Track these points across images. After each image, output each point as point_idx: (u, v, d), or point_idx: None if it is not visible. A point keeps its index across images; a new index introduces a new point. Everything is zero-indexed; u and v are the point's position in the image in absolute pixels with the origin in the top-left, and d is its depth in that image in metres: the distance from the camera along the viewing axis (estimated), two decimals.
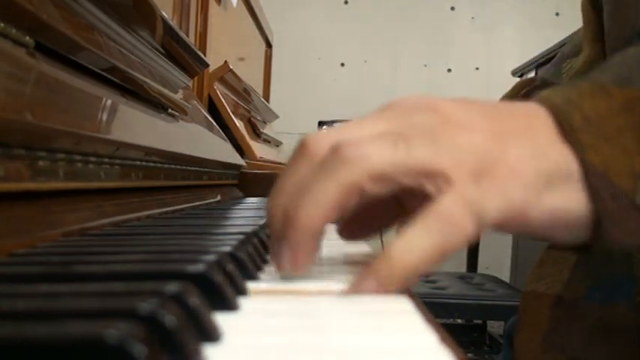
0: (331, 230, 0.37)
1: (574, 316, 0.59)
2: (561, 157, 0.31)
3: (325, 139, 0.31)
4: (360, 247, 0.46)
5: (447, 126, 0.30)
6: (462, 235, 0.29)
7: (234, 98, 1.43)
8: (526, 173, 0.30)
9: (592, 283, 0.60)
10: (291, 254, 0.31)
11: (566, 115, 0.31)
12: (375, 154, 0.29)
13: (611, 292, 0.58)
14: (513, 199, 0.30)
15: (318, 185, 0.30)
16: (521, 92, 0.72)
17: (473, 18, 3.00)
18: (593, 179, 0.30)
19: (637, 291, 0.56)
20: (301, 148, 0.32)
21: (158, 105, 0.70)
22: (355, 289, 0.29)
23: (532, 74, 2.35)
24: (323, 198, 0.30)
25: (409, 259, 0.29)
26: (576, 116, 0.31)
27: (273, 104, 2.07)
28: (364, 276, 0.29)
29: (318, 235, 0.31)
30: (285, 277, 0.32)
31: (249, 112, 1.56)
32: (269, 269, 0.37)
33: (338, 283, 0.31)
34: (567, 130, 0.31)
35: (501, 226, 0.31)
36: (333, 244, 0.45)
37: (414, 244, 0.29)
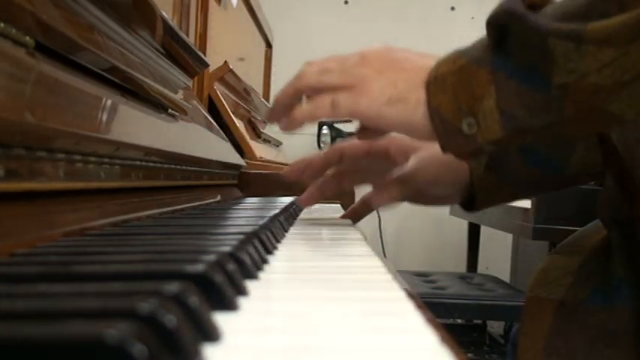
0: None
1: (576, 321, 0.59)
2: (406, 90, 0.52)
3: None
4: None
5: (357, 64, 0.55)
6: (321, 109, 0.55)
7: (234, 98, 1.43)
8: (374, 94, 0.53)
9: (595, 286, 0.60)
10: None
11: (429, 75, 0.51)
12: (310, 77, 0.57)
13: (612, 295, 0.58)
14: (359, 105, 0.53)
15: (286, 88, 0.59)
16: None
17: (473, 18, 2.99)
18: (430, 110, 0.50)
19: (636, 295, 0.56)
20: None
21: (158, 105, 0.70)
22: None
23: None
24: (285, 92, 0.59)
25: (298, 114, 0.57)
26: (432, 75, 0.51)
27: None
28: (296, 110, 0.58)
29: (286, 103, 0.59)
30: None
31: (249, 112, 1.56)
32: (269, 269, 0.37)
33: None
34: (425, 83, 0.51)
35: (354, 117, 0.55)
36: None
37: (303, 108, 0.57)
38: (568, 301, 0.61)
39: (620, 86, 0.45)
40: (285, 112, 0.58)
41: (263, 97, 1.95)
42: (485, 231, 2.54)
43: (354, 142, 0.70)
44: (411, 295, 0.31)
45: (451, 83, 0.50)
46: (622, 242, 0.59)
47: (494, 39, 0.48)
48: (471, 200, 0.71)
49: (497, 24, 0.48)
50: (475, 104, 0.48)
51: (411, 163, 0.68)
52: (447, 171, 0.68)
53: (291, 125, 0.57)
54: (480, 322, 2.34)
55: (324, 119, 0.60)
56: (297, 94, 0.58)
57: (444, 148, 0.51)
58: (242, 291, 0.29)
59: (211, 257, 0.30)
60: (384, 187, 0.67)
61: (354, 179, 0.74)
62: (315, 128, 2.59)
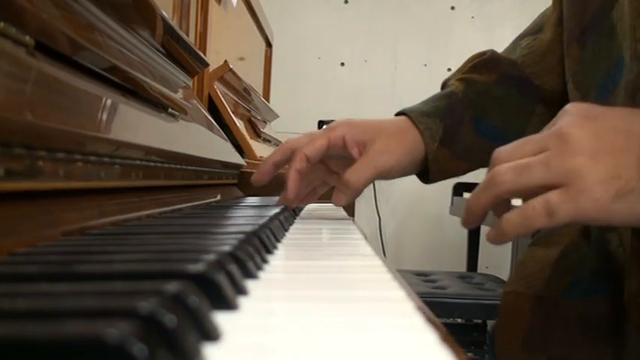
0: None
1: (554, 315, 0.60)
2: (634, 177, 0.43)
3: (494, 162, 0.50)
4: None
5: (561, 152, 0.45)
6: (536, 223, 0.45)
7: (234, 98, 1.43)
8: (597, 190, 0.44)
9: (572, 279, 0.60)
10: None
11: None
12: (508, 181, 0.46)
13: (590, 287, 0.59)
14: (583, 208, 0.44)
15: (479, 194, 0.49)
16: (470, 64, 0.77)
17: (473, 18, 3.00)
18: None
19: (613, 286, 0.56)
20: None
21: (158, 105, 0.70)
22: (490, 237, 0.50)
23: None
24: (480, 201, 0.49)
25: (507, 225, 0.47)
26: None
27: (273, 104, 2.07)
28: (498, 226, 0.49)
29: (476, 216, 0.51)
30: None
31: (249, 111, 1.56)
32: (269, 268, 0.37)
33: None
34: None
35: (576, 221, 0.46)
36: None
37: (511, 218, 0.47)
38: (545, 295, 0.61)
39: None
40: (481, 218, 0.52)
41: (263, 97, 1.95)
42: (485, 231, 2.53)
43: (312, 141, 0.70)
44: (411, 295, 0.31)
45: None
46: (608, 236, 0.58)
47: None
48: (426, 172, 0.75)
49: None
50: None
51: (370, 153, 0.70)
52: (406, 156, 0.72)
53: (500, 239, 0.49)
54: (479, 321, 2.34)
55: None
56: (495, 201, 0.50)
57: None
58: (242, 290, 0.29)
59: (211, 257, 0.30)
60: (337, 189, 0.70)
61: (318, 175, 0.76)
62: (314, 128, 2.59)
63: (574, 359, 0.57)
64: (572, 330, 0.58)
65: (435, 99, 0.75)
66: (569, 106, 0.48)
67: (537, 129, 0.56)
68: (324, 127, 0.75)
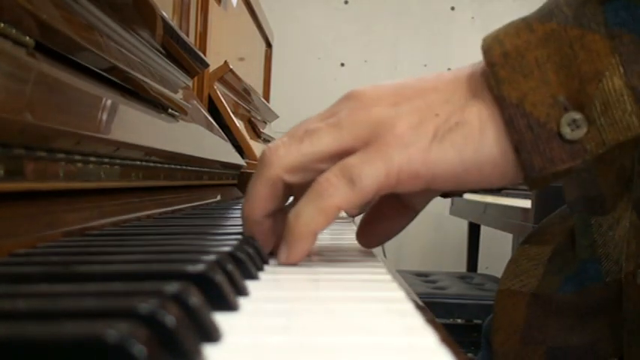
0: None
1: (550, 311, 0.60)
2: (455, 109, 0.35)
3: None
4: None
5: (354, 109, 0.36)
6: (335, 197, 0.35)
7: (234, 98, 1.43)
8: (409, 135, 0.34)
9: (565, 275, 0.60)
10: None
11: (487, 52, 0.34)
12: (284, 155, 0.37)
13: (581, 279, 0.59)
14: (395, 162, 0.34)
15: (251, 185, 0.39)
16: None
17: (473, 18, 3.00)
18: (507, 111, 0.33)
19: (605, 270, 0.57)
20: None
21: (158, 105, 0.70)
22: (279, 261, 0.38)
23: None
24: (254, 193, 0.39)
25: (299, 222, 0.36)
26: (496, 52, 0.33)
27: (273, 104, 2.07)
28: (280, 248, 0.38)
29: (258, 223, 0.40)
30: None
31: (249, 112, 1.56)
32: (269, 269, 0.37)
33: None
34: (487, 66, 0.34)
35: (396, 187, 0.35)
36: None
37: (300, 209, 0.36)
38: (541, 292, 0.61)
39: None
40: (269, 229, 0.39)
41: (263, 97, 1.95)
42: (485, 231, 2.54)
43: None
44: (411, 295, 0.31)
45: (536, 60, 0.32)
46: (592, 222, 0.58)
47: None
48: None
49: None
50: (584, 89, 0.32)
51: None
52: None
53: (297, 251, 0.36)
54: (479, 322, 2.34)
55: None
56: (272, 192, 0.38)
57: (528, 173, 0.33)
58: (242, 291, 0.29)
59: (211, 257, 0.30)
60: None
61: None
62: None
63: (573, 345, 0.58)
64: (569, 319, 0.58)
65: None
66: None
67: None
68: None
